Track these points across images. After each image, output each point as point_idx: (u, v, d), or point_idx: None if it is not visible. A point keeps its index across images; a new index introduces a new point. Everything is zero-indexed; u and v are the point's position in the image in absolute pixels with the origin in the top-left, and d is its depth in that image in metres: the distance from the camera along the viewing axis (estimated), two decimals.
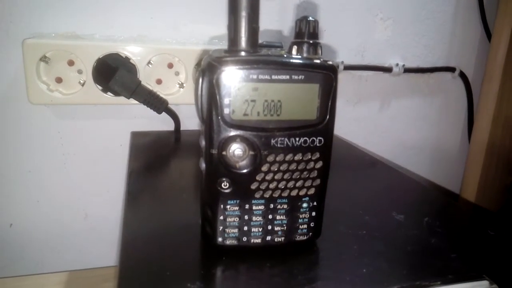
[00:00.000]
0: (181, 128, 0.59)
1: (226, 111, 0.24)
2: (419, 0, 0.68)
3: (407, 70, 0.70)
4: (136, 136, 0.55)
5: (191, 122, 0.60)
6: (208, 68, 0.24)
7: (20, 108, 0.54)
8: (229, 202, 0.26)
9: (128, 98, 0.52)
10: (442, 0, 0.70)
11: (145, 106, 0.54)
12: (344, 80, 0.68)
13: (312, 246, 0.28)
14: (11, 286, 0.54)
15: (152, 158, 0.49)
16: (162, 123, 0.59)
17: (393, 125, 0.74)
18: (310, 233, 0.28)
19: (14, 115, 0.54)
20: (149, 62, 0.54)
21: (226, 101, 0.24)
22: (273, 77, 0.24)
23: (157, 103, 0.54)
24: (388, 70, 0.69)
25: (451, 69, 0.74)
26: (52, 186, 0.59)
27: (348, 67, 0.66)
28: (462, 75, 0.75)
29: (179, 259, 0.27)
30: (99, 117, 0.58)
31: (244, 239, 0.27)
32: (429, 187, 0.42)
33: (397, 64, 0.69)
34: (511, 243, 0.31)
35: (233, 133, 0.25)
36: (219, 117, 0.24)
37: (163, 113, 0.55)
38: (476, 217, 0.35)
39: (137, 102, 0.53)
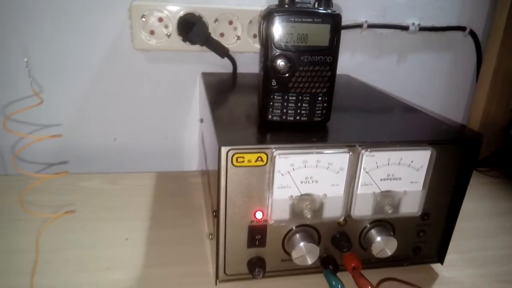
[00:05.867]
0: (237, 71, 0.77)
1: (276, 39, 0.43)
2: None
3: (422, 29, 0.81)
4: (206, 75, 0.74)
5: (245, 67, 0.77)
6: (267, 14, 0.42)
7: (124, 52, 0.73)
8: (276, 94, 0.44)
9: (202, 46, 0.72)
10: None
11: (212, 53, 0.73)
12: (367, 36, 0.82)
13: (323, 125, 0.47)
14: (115, 178, 0.74)
15: (220, 89, 0.68)
16: (222, 68, 0.77)
17: (409, 76, 0.87)
18: (323, 117, 0.46)
19: (120, 58, 0.74)
20: (215, 20, 0.72)
21: (276, 33, 0.42)
22: (303, 19, 0.42)
23: (221, 50, 0.73)
24: (405, 28, 0.81)
25: (462, 28, 0.84)
26: (141, 112, 0.78)
27: (371, 26, 0.80)
28: (472, 34, 0.85)
29: (247, 125, 0.47)
30: (178, 61, 0.76)
31: (284, 117, 0.45)
32: (425, 109, 0.58)
33: (413, 23, 0.82)
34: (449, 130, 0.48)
35: (279, 52, 0.43)
36: (272, 43, 0.43)
37: (225, 58, 0.74)
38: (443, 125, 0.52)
39: (207, 49, 0.72)
